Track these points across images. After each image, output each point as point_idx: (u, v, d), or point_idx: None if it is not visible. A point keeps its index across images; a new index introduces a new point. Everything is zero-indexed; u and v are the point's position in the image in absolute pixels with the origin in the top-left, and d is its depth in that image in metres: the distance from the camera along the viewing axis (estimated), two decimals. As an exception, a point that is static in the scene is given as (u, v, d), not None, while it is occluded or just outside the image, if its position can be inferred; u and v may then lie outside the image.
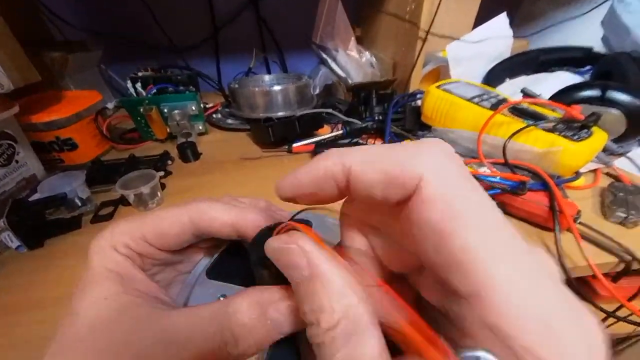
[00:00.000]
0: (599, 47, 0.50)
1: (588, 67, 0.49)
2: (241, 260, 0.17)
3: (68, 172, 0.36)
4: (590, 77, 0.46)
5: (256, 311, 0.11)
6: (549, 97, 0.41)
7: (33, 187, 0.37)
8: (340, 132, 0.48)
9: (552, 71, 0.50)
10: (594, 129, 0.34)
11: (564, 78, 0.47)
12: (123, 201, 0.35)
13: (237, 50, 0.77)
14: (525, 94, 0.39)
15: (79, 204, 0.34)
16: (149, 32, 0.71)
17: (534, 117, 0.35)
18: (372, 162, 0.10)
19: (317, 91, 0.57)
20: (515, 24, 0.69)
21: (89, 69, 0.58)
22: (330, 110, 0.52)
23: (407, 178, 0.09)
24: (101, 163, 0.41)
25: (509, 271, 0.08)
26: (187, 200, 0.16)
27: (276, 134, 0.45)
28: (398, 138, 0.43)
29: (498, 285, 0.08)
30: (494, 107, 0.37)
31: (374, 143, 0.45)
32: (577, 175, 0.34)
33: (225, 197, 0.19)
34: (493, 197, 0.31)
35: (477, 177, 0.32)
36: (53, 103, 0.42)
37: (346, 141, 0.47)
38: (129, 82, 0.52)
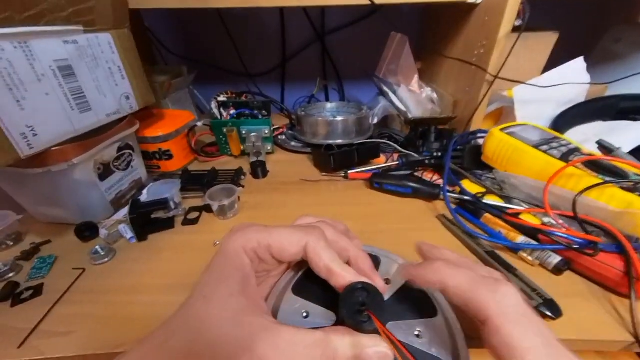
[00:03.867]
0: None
1: (679, 120, 0.45)
2: (321, 283, 0.21)
3: (167, 179, 0.44)
4: (682, 131, 0.42)
5: (354, 351, 0.15)
6: (629, 150, 0.39)
7: (139, 189, 0.45)
8: (397, 162, 0.50)
9: (635, 120, 0.47)
10: (684, 192, 0.32)
11: (648, 129, 0.44)
12: (207, 208, 0.41)
13: (301, 77, 0.85)
14: (602, 146, 0.38)
15: (173, 207, 0.41)
16: (227, 60, 0.82)
17: (610, 172, 0.34)
18: (462, 292, 0.16)
19: (376, 121, 0.61)
20: (589, 67, 0.66)
21: (182, 89, 0.69)
22: (388, 142, 0.55)
23: (480, 313, 0.15)
24: (189, 173, 0.49)
25: None
26: (309, 225, 0.20)
27: (336, 162, 0.49)
28: (456, 176, 0.43)
29: None
30: (565, 157, 0.36)
31: (431, 178, 0.46)
32: (660, 239, 0.31)
33: (308, 218, 0.22)
34: (556, 252, 0.31)
35: (540, 231, 0.32)
36: (159, 120, 0.52)
37: (402, 172, 0.49)
38: (213, 103, 0.61)
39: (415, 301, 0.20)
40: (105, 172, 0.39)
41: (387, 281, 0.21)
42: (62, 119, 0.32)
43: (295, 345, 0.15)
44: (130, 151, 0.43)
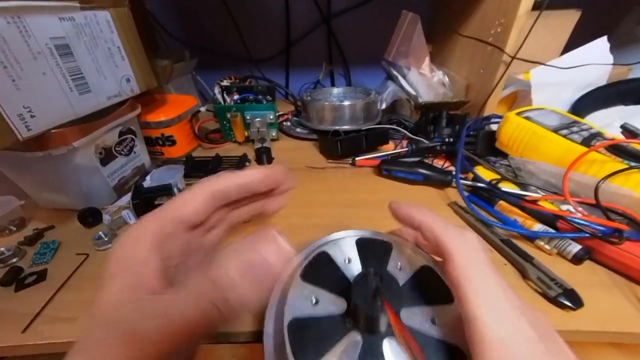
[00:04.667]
0: None
1: None
2: (328, 267, 0.20)
3: (170, 165, 0.43)
4: None
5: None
6: (654, 134, 0.37)
7: (143, 175, 0.44)
8: (406, 149, 0.48)
9: (659, 104, 0.45)
10: None
11: (676, 113, 0.41)
12: (211, 195, 0.40)
13: (305, 62, 0.82)
14: (627, 130, 0.36)
15: (177, 193, 0.40)
16: (230, 44, 0.80)
17: (635, 157, 0.32)
18: (435, 229, 0.18)
19: (384, 106, 0.59)
20: (610, 48, 0.63)
21: (185, 75, 0.67)
22: (397, 128, 0.53)
23: (445, 249, 0.17)
24: (193, 159, 0.48)
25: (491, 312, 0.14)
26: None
27: (344, 148, 0.47)
28: (468, 162, 0.42)
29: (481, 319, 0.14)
30: (586, 142, 0.34)
31: (442, 165, 0.44)
32: (688, 228, 0.30)
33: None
34: (576, 240, 0.29)
35: (561, 217, 0.30)
36: (161, 105, 0.50)
37: (411, 159, 0.47)
38: (217, 88, 0.59)
39: (430, 287, 0.19)
40: (107, 157, 0.38)
41: (400, 267, 0.20)
42: (60, 100, 0.31)
43: (179, 300, 0.14)
44: (133, 136, 0.42)
